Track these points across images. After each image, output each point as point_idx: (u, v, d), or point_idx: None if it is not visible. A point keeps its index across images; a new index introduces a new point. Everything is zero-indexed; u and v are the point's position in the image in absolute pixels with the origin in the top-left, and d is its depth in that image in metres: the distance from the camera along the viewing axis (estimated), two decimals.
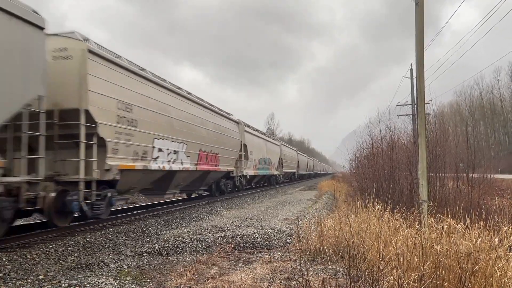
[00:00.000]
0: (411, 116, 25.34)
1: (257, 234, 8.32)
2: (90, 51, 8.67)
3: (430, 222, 6.08)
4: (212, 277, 5.29)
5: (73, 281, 5.20)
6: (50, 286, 5.15)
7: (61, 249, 7.34)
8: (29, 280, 5.47)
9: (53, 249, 7.25)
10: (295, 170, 46.41)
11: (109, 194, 9.39)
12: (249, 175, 24.04)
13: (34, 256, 6.79)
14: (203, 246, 7.62)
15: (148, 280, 5.45)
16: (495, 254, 3.97)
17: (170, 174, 12.71)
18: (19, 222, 10.04)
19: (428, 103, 14.93)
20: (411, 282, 3.74)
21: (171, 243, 7.81)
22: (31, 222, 10.36)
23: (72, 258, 7.02)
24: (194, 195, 19.43)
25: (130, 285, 5.20)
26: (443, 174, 12.11)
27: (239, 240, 7.87)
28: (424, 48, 8.12)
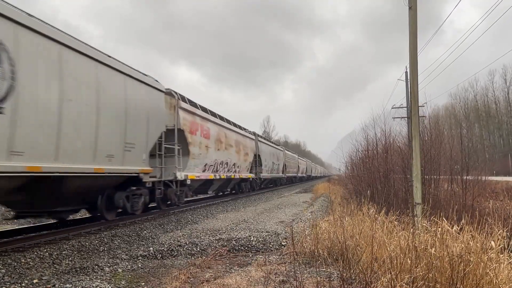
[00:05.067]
0: (406, 118, 25.45)
1: (252, 237, 8.33)
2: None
3: (424, 224, 6.12)
4: (207, 280, 5.29)
5: (68, 285, 5.19)
6: None
7: (55, 253, 7.31)
8: (23, 284, 5.46)
9: (47, 253, 7.23)
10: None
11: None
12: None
13: (29, 260, 6.77)
14: (198, 249, 7.62)
15: (143, 283, 5.45)
16: (487, 256, 4.01)
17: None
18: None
19: (423, 106, 15.02)
20: (404, 284, 3.77)
21: (166, 246, 7.81)
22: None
23: (67, 262, 6.99)
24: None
25: None
26: (437, 177, 12.18)
27: (234, 243, 7.87)
28: (418, 52, 8.19)
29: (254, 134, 27.47)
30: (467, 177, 12.54)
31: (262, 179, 29.14)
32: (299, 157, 57.38)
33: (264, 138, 33.07)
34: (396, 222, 6.62)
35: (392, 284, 3.77)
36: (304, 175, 62.45)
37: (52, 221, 10.87)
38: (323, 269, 5.54)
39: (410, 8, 8.07)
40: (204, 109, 17.00)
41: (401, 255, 4.38)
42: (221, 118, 19.59)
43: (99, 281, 5.44)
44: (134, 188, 11.14)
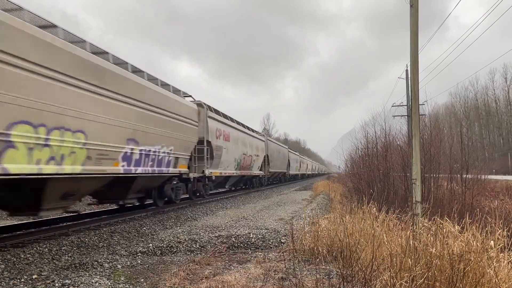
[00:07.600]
0: (406, 117, 25.43)
1: (251, 234, 8.33)
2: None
3: (424, 223, 6.11)
4: (206, 277, 5.29)
5: (67, 281, 5.19)
6: (43, 285, 5.14)
7: (55, 249, 7.32)
8: (22, 280, 5.46)
9: (47, 249, 7.23)
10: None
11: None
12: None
13: (28, 255, 6.77)
14: (198, 246, 7.62)
15: (142, 280, 5.44)
16: (487, 255, 4.00)
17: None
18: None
19: (423, 104, 15.01)
20: (404, 283, 3.77)
21: (165, 243, 7.80)
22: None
23: (66, 257, 6.99)
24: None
25: (124, 284, 5.19)
26: (437, 175, 12.18)
27: (234, 240, 7.88)
28: (419, 49, 8.17)
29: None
30: (467, 176, 12.53)
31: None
32: (301, 156, 57.11)
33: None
34: (396, 221, 6.61)
35: (392, 282, 3.77)
36: (305, 172, 61.88)
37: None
38: (323, 267, 5.54)
39: (411, 5, 8.04)
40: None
41: (401, 254, 4.37)
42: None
43: (98, 277, 5.44)
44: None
